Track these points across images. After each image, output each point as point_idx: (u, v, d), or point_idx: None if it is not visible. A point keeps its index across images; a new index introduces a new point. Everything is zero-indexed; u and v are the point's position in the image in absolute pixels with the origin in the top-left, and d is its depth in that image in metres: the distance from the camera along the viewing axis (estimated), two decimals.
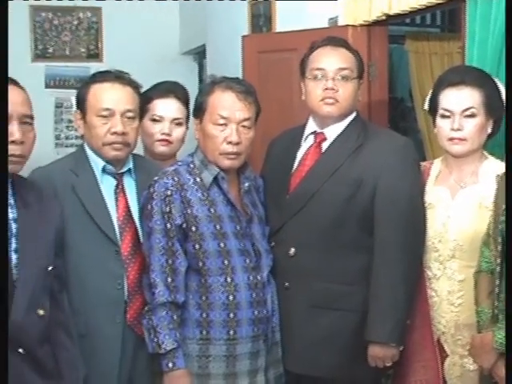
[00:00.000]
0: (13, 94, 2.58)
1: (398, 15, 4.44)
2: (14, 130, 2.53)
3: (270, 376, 3.10)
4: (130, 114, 3.07)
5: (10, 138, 2.52)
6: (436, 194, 3.14)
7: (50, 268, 2.64)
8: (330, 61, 3.19)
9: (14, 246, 2.55)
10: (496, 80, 3.19)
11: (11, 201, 2.60)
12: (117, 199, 3.06)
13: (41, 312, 2.57)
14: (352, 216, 3.11)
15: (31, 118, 2.62)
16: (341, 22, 4.83)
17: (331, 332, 3.12)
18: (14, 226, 2.57)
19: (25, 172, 2.74)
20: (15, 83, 2.63)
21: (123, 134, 3.02)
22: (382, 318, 3.04)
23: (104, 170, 3.06)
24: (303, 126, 3.34)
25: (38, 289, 2.56)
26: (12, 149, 2.54)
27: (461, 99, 3.04)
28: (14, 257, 2.53)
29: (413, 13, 4.44)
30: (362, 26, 4.65)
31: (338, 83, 3.16)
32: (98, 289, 2.93)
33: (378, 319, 3.05)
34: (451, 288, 3.06)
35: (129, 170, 3.13)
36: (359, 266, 3.12)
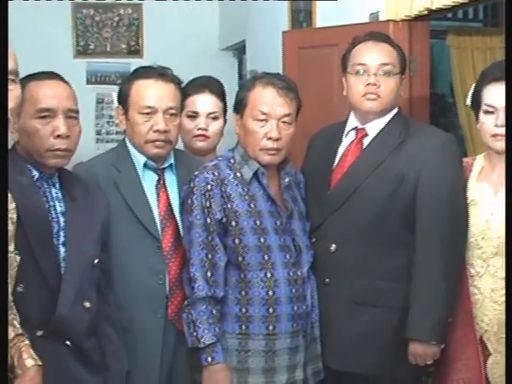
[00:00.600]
0: (58, 88, 2.63)
1: (440, 10, 4.40)
2: (60, 125, 2.58)
3: (308, 371, 3.09)
4: (173, 111, 3.07)
5: (56, 132, 2.58)
6: (479, 191, 3.12)
7: (96, 261, 2.68)
8: (372, 56, 3.17)
9: (61, 239, 2.60)
10: None
11: (59, 194, 2.65)
12: (158, 194, 3.07)
13: (87, 305, 2.61)
14: (393, 212, 3.10)
15: (76, 112, 2.66)
16: (382, 17, 4.80)
17: (372, 329, 3.11)
18: (61, 220, 2.62)
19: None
20: (61, 78, 2.68)
21: (165, 131, 3.02)
22: (423, 316, 3.02)
23: (146, 166, 3.07)
24: (344, 122, 3.33)
25: (84, 282, 2.60)
26: (58, 143, 2.59)
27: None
28: (61, 250, 2.58)
29: (455, 7, 4.38)
30: (403, 21, 4.61)
31: (380, 79, 3.14)
32: (140, 284, 2.94)
33: (419, 317, 3.03)
34: (494, 286, 3.03)
35: (170, 165, 3.14)
36: (400, 262, 3.10)
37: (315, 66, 4.90)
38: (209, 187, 2.95)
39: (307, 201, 3.24)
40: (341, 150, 3.28)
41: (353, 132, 3.27)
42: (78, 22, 7.51)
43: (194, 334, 2.89)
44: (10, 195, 2.23)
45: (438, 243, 3.03)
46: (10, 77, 2.09)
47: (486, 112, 3.06)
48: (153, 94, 3.04)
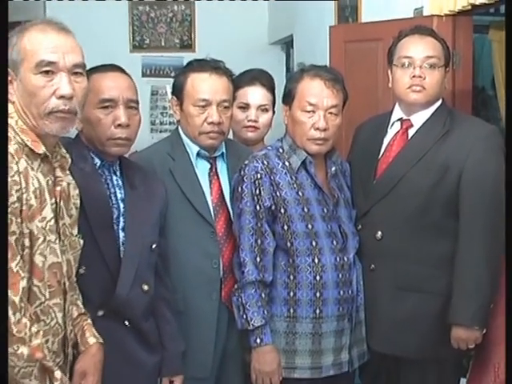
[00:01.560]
0: (119, 79, 2.65)
1: (483, 5, 4.36)
2: (121, 114, 2.59)
3: (353, 354, 3.09)
4: (226, 104, 3.07)
5: (117, 122, 2.59)
6: None
7: (154, 246, 2.69)
8: (418, 49, 3.14)
9: (121, 224, 2.61)
10: None
11: (119, 182, 2.67)
12: (211, 182, 3.08)
13: (145, 287, 2.62)
14: (438, 201, 3.07)
15: (136, 102, 2.68)
16: (426, 13, 4.76)
17: (415, 313, 3.10)
18: (121, 206, 2.64)
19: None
20: (121, 70, 2.70)
21: (219, 123, 3.02)
22: (465, 301, 3.01)
23: (198, 155, 3.08)
24: (389, 113, 3.31)
25: (142, 265, 2.61)
26: (118, 132, 2.60)
27: None
28: (121, 235, 2.60)
29: (497, 2, 4.34)
30: (447, 16, 4.56)
31: (426, 71, 3.12)
32: (195, 268, 2.95)
33: (462, 302, 3.01)
34: None
35: (222, 154, 3.14)
36: (444, 249, 3.08)
37: (361, 59, 4.88)
38: (258, 176, 2.96)
39: (353, 189, 3.23)
40: (386, 140, 3.26)
41: (398, 123, 3.25)
42: (135, 18, 7.62)
43: (244, 316, 2.90)
44: (73, 182, 2.27)
45: (480, 231, 3.01)
46: (78, 70, 2.13)
47: None
48: (207, 87, 3.03)
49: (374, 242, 3.14)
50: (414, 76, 3.12)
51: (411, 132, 3.21)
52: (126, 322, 2.57)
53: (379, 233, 3.13)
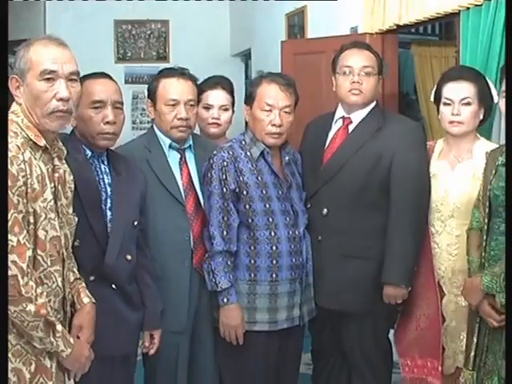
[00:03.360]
0: (107, 84, 2.66)
1: (405, 25, 4.44)
2: (109, 113, 2.60)
3: (304, 310, 3.08)
4: (192, 103, 3.05)
5: (105, 119, 2.59)
6: (439, 167, 3.12)
7: (135, 223, 2.68)
8: (356, 60, 3.16)
9: (108, 205, 2.60)
10: (486, 78, 3.18)
11: (107, 169, 2.66)
12: (181, 169, 3.05)
13: (128, 257, 2.62)
14: (373, 183, 3.09)
15: (121, 103, 2.69)
16: (360, 30, 4.82)
17: (356, 276, 3.10)
18: (108, 189, 2.62)
19: None
20: (109, 77, 2.72)
21: (187, 119, 3.01)
22: (394, 265, 3.04)
23: (170, 147, 3.05)
24: (333, 112, 3.31)
25: (126, 239, 2.60)
26: (106, 128, 2.60)
27: (460, 91, 3.02)
28: (108, 213, 2.59)
29: (418, 24, 4.46)
30: (377, 33, 4.63)
31: (363, 78, 3.14)
32: (170, 240, 2.93)
33: (392, 265, 3.04)
34: (450, 241, 3.05)
35: (189, 146, 3.12)
36: (379, 223, 3.08)
37: (307, 68, 4.92)
38: (225, 163, 2.94)
39: (304, 175, 3.22)
40: (331, 134, 3.26)
41: (340, 120, 3.25)
42: (119, 34, 7.63)
43: (213, 280, 2.89)
44: (68, 169, 2.26)
45: (406, 207, 3.03)
46: (74, 77, 2.15)
47: (445, 104, 3.07)
48: (176, 89, 3.01)
49: (320, 217, 3.13)
50: (353, 82, 3.14)
51: (351, 127, 3.22)
52: (113, 286, 2.57)
53: (325, 210, 3.13)
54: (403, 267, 3.04)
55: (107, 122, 2.59)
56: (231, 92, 3.58)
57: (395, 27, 4.47)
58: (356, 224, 3.10)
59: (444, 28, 6.79)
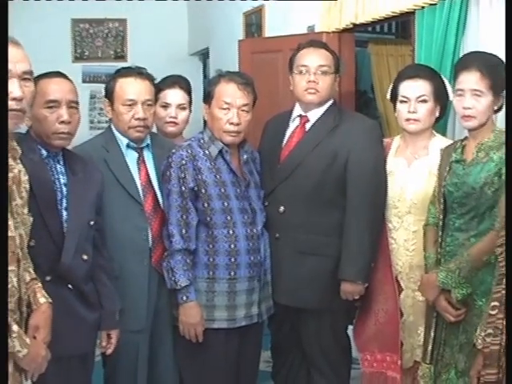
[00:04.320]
0: (62, 84, 2.62)
1: (362, 24, 4.46)
2: (63, 113, 2.57)
3: (262, 308, 3.09)
4: (149, 103, 3.04)
5: (60, 119, 2.56)
6: (396, 164, 3.14)
7: (91, 223, 2.65)
8: (312, 59, 3.16)
9: (64, 205, 2.57)
10: (441, 76, 3.22)
11: (62, 169, 2.63)
12: (139, 169, 3.04)
13: (85, 257, 2.60)
14: (329, 181, 3.09)
15: (76, 103, 2.65)
16: (317, 29, 4.83)
17: (313, 273, 3.12)
18: (64, 189, 2.59)
19: None
20: (64, 76, 2.67)
21: (144, 119, 2.99)
22: (351, 261, 3.05)
23: (128, 146, 3.04)
24: (291, 111, 3.31)
25: (82, 239, 2.58)
26: (61, 127, 2.57)
27: (416, 88, 3.05)
28: (64, 213, 2.56)
29: (374, 22, 4.46)
30: (333, 32, 4.64)
31: (319, 77, 3.14)
32: (128, 239, 2.92)
33: (349, 262, 3.05)
34: (407, 237, 3.07)
35: (147, 145, 3.10)
36: (335, 220, 3.09)
37: (265, 67, 4.91)
38: (183, 162, 2.93)
39: (262, 173, 3.22)
40: (288, 132, 3.27)
41: (297, 118, 3.26)
42: (76, 34, 7.58)
43: (172, 278, 2.88)
44: (23, 169, 2.22)
45: (363, 205, 3.04)
46: (27, 76, 2.09)
47: (402, 101, 3.09)
48: (133, 89, 3.00)
49: (277, 215, 3.14)
50: (309, 81, 3.14)
51: (308, 126, 3.22)
52: (70, 286, 2.55)
53: (282, 208, 3.13)
54: (360, 264, 3.05)
55: (62, 122, 2.56)
56: (189, 91, 3.58)
57: (352, 26, 4.48)
58: (313, 221, 3.10)
59: (400, 27, 6.82)
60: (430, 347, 2.86)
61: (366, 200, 3.05)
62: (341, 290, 3.08)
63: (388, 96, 3.25)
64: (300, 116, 3.25)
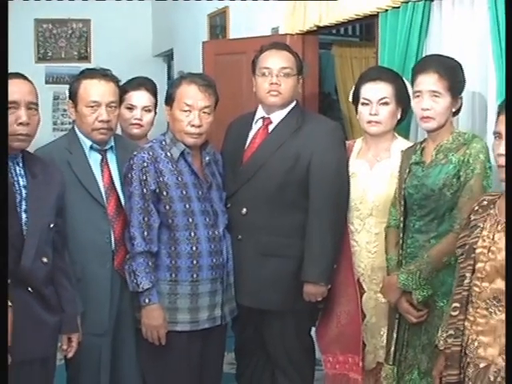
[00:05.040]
0: (21, 85, 2.58)
1: (326, 26, 4.49)
2: (22, 114, 2.53)
3: (225, 310, 3.09)
4: (113, 105, 3.02)
5: (18, 120, 2.52)
6: (358, 166, 3.15)
7: (51, 225, 2.62)
8: (275, 61, 3.17)
9: (23, 207, 2.53)
10: (403, 78, 3.23)
11: (22, 171, 2.59)
12: (102, 171, 3.02)
13: (45, 259, 2.56)
14: (292, 183, 3.10)
15: (36, 104, 2.61)
16: (281, 31, 4.86)
17: (276, 274, 3.12)
18: (24, 192, 2.55)
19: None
20: (24, 77, 2.64)
21: (108, 121, 2.98)
22: (314, 263, 3.06)
23: (91, 148, 3.02)
24: (254, 112, 3.32)
25: (42, 241, 2.55)
26: (20, 129, 2.53)
27: (377, 91, 3.06)
28: (23, 216, 2.52)
29: (338, 25, 4.50)
30: (297, 34, 4.67)
31: (281, 79, 3.15)
32: (91, 242, 2.91)
33: (311, 263, 3.06)
34: (369, 239, 3.09)
35: (111, 147, 3.09)
36: (297, 222, 3.10)
37: (228, 69, 4.93)
38: (145, 164, 2.92)
39: (224, 175, 3.22)
40: (251, 134, 3.27)
41: (260, 120, 3.26)
42: (39, 34, 7.56)
43: (135, 281, 2.87)
44: None
45: (325, 207, 3.05)
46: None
47: (363, 104, 3.10)
48: (97, 90, 2.98)
49: (240, 216, 3.14)
50: (271, 83, 3.15)
51: (271, 127, 3.23)
52: (30, 289, 2.51)
53: (244, 209, 3.14)
54: (322, 265, 3.06)
55: (20, 123, 2.52)
56: (154, 93, 3.58)
57: (316, 28, 4.52)
58: (275, 223, 3.11)
59: (364, 29, 6.86)
60: (392, 348, 2.88)
61: (329, 202, 3.06)
62: (303, 291, 3.09)
63: (350, 98, 3.27)
64: (263, 118, 3.26)
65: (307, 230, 3.07)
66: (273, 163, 3.12)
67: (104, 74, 3.03)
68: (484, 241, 2.16)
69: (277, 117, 3.22)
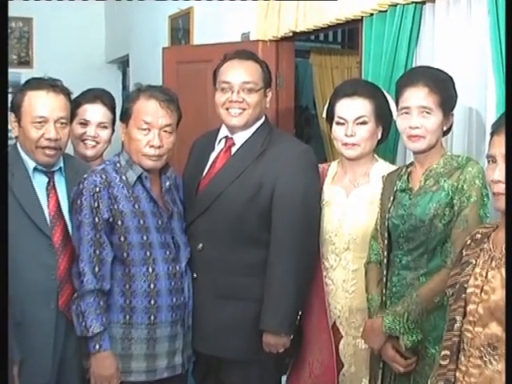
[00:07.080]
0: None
1: (303, 32, 4.49)
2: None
3: (184, 357, 3.10)
4: (63, 121, 3.03)
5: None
6: (332, 193, 3.15)
7: None
8: (236, 75, 3.17)
9: None
10: (385, 92, 3.23)
11: None
12: (48, 195, 3.03)
13: None
14: (252, 215, 3.09)
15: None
16: (252, 37, 4.87)
17: (233, 319, 3.11)
18: None
19: None
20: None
21: (56, 139, 2.98)
22: (273, 310, 3.03)
23: (36, 169, 3.02)
24: (218, 130, 3.33)
25: None
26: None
27: (354, 108, 3.07)
28: None
29: (316, 30, 4.49)
30: (271, 41, 4.70)
31: (244, 95, 3.15)
32: (33, 279, 2.90)
33: (270, 311, 3.04)
34: (346, 277, 3.09)
35: (60, 168, 3.09)
36: (258, 259, 3.08)
37: (192, 79, 4.93)
38: (97, 189, 2.92)
39: (183, 203, 3.24)
40: (212, 156, 3.29)
41: (224, 140, 3.28)
42: None
43: (83, 323, 2.86)
44: None
45: (289, 245, 3.03)
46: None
47: (338, 123, 3.11)
48: (45, 104, 2.98)
49: (196, 252, 3.16)
50: (231, 101, 3.16)
51: (234, 149, 3.23)
52: None
53: (200, 245, 3.15)
54: (282, 313, 3.03)
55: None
56: (112, 108, 3.59)
57: (292, 34, 4.53)
58: (233, 261, 3.10)
59: (347, 35, 6.88)
60: None
61: (292, 236, 3.03)
62: (263, 341, 3.07)
63: (324, 115, 3.27)
64: (226, 138, 3.27)
65: (268, 271, 3.05)
66: (232, 192, 3.11)
67: (53, 85, 3.02)
68: (476, 279, 2.14)
69: (240, 138, 3.23)
